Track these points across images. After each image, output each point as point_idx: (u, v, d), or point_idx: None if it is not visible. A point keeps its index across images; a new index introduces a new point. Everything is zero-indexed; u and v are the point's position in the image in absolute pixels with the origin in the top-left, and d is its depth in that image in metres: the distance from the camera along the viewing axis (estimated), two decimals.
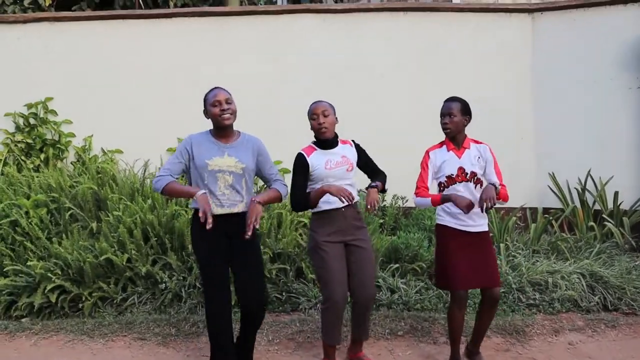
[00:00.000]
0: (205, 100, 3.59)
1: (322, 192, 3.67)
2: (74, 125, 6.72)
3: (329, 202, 3.73)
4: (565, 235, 6.10)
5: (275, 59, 6.84)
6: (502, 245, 5.88)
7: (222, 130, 3.59)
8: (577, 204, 6.56)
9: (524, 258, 5.70)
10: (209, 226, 3.26)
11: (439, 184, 3.88)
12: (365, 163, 3.97)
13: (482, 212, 3.59)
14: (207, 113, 3.59)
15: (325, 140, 3.80)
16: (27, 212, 5.39)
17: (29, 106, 6.66)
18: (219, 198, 3.52)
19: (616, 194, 6.38)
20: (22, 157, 6.50)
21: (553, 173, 6.73)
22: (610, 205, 6.47)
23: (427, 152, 3.93)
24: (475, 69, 6.95)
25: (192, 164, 3.56)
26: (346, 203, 3.59)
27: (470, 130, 3.92)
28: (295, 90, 6.69)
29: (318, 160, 3.77)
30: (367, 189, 3.77)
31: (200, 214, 3.27)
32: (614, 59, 6.65)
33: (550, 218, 6.32)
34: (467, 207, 3.60)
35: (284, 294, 5.18)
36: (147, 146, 6.50)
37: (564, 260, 5.74)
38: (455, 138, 3.84)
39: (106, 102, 6.71)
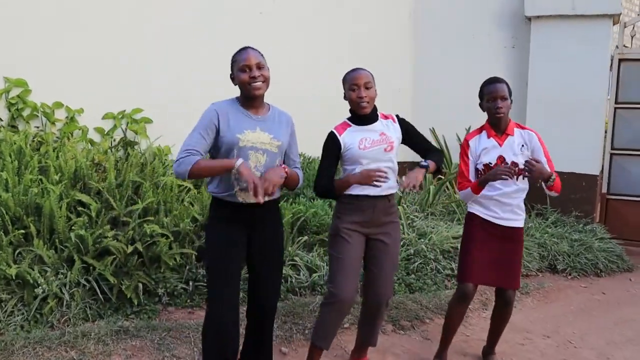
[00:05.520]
0: (233, 62, 2.93)
1: (346, 183, 3.16)
2: None
3: (358, 186, 3.16)
4: (457, 197, 6.05)
5: None
6: (400, 207, 5.62)
7: (251, 101, 2.93)
8: (457, 160, 6.55)
9: (423, 222, 5.54)
10: (260, 198, 2.70)
11: (476, 171, 3.44)
12: (413, 140, 3.35)
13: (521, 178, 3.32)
14: (234, 78, 2.94)
15: (363, 116, 3.18)
16: None
17: None
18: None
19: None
20: None
21: (433, 128, 6.61)
22: None
23: (467, 141, 3.48)
24: (357, 12, 6.41)
25: (219, 140, 2.87)
26: (382, 184, 3.05)
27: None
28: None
29: (351, 138, 3.18)
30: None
31: (250, 188, 2.69)
32: (492, 15, 6.62)
33: (444, 179, 6.23)
34: (507, 173, 3.19)
35: (190, 283, 4.26)
36: None
37: (459, 222, 5.71)
38: (498, 123, 3.38)
39: None
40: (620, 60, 6.46)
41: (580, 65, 6.18)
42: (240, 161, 2.76)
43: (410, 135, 3.33)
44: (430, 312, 4.37)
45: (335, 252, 3.22)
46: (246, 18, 6.00)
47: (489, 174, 3.31)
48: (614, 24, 6.27)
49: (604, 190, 6.75)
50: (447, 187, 6.38)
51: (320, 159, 3.27)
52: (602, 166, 6.70)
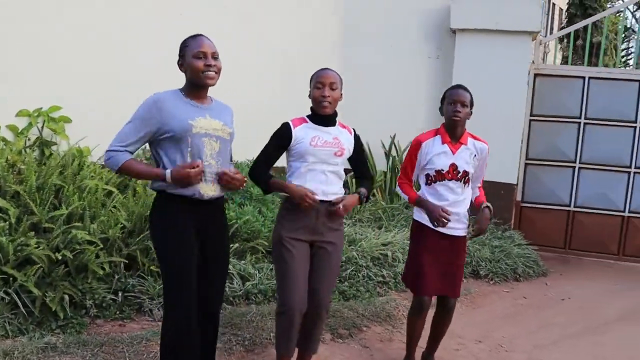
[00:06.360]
0: (184, 47, 2.79)
1: (282, 188, 3.15)
2: None
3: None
4: (383, 204, 6.12)
5: None
6: None
7: (199, 90, 2.82)
8: (381, 168, 6.64)
9: (352, 228, 5.55)
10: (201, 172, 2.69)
11: (427, 176, 3.44)
12: (357, 160, 3.34)
13: (474, 236, 3.49)
14: (183, 65, 2.80)
15: (323, 116, 3.14)
16: None
17: None
18: (204, 171, 2.76)
19: None
20: None
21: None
22: None
23: (419, 142, 3.44)
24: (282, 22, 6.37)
25: (165, 129, 2.71)
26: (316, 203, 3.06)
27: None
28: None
29: (304, 133, 3.13)
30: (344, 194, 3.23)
31: (193, 171, 2.66)
32: (419, 26, 6.76)
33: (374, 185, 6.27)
34: (437, 221, 3.33)
35: (119, 294, 4.02)
36: None
37: (386, 228, 5.76)
38: (454, 130, 3.39)
39: None
40: (535, 75, 6.80)
41: (501, 78, 6.43)
42: (169, 172, 2.67)
43: (357, 155, 3.34)
44: (366, 320, 4.36)
45: (280, 262, 3.19)
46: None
47: (428, 208, 3.37)
48: (532, 41, 6.59)
49: (519, 198, 7.07)
50: (373, 194, 6.43)
51: (266, 144, 3.20)
52: (518, 175, 7.01)
